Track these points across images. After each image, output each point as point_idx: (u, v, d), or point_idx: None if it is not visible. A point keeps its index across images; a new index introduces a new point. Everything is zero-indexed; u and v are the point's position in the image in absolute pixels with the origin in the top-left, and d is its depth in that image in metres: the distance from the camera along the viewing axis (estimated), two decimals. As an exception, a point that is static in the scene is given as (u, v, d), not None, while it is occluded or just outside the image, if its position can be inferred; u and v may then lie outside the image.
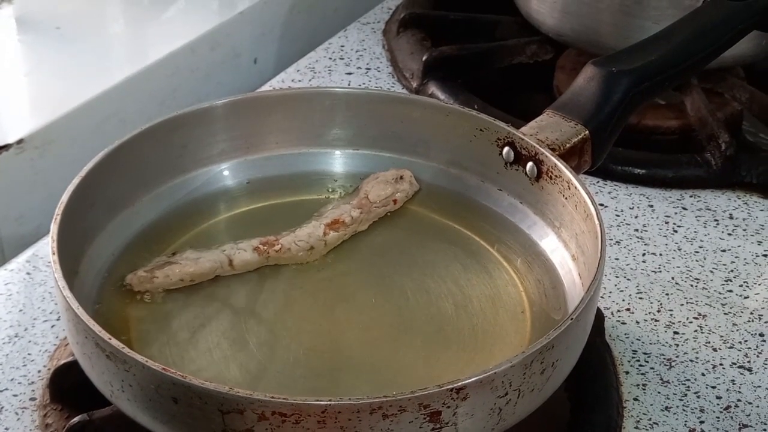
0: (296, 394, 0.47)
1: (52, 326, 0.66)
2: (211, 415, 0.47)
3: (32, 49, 0.90)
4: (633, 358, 0.66)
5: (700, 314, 0.69)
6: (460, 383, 0.48)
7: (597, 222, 0.57)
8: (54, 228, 0.56)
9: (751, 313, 0.69)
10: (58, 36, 0.91)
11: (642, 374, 0.65)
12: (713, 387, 0.64)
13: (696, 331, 0.68)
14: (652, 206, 0.79)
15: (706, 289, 0.71)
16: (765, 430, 0.61)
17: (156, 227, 0.65)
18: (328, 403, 0.47)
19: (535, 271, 0.63)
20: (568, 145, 0.64)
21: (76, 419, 0.55)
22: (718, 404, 0.63)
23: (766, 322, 0.69)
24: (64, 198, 0.58)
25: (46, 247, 0.55)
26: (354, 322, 0.60)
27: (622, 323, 0.68)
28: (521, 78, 0.96)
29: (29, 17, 0.93)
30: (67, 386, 0.60)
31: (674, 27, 0.71)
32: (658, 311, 0.69)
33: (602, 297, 0.70)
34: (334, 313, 0.61)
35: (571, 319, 0.52)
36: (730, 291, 0.71)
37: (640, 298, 0.70)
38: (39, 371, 0.63)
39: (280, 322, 0.59)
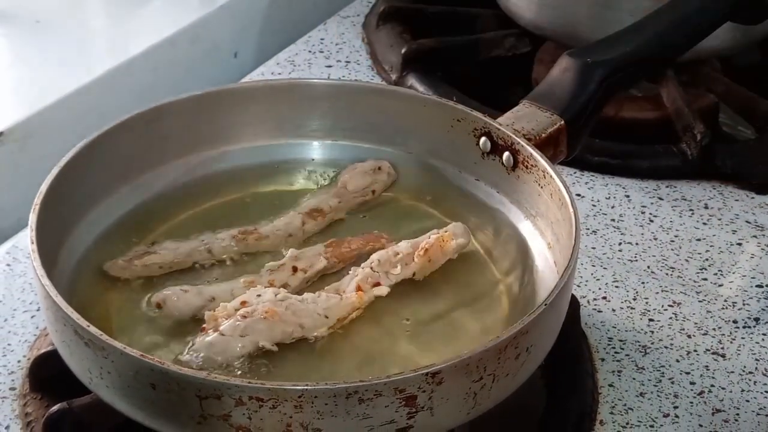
0: (272, 380, 0.48)
1: (32, 317, 0.66)
2: (189, 401, 0.48)
3: (12, 43, 0.90)
4: (609, 345, 0.66)
5: (675, 302, 0.70)
6: (435, 368, 0.48)
7: (571, 210, 0.58)
8: (33, 218, 0.56)
9: (725, 301, 0.70)
10: (37, 29, 0.91)
11: (617, 361, 0.65)
12: (687, 373, 0.65)
13: (671, 318, 0.69)
14: (628, 196, 0.80)
15: (681, 277, 0.72)
16: (738, 414, 0.62)
17: (135, 218, 0.65)
18: (305, 387, 0.47)
19: (511, 259, 0.64)
20: (543, 135, 0.64)
21: (55, 408, 0.55)
22: (692, 390, 0.63)
23: (739, 310, 0.70)
24: (43, 188, 0.58)
25: (26, 239, 0.55)
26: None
27: (598, 311, 0.69)
28: (500, 71, 0.96)
29: (9, 10, 0.93)
30: (47, 376, 0.60)
31: (648, 18, 0.72)
32: (634, 299, 0.70)
33: (579, 285, 0.71)
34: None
35: (545, 305, 0.52)
36: (705, 279, 0.72)
37: (616, 287, 0.71)
38: (19, 361, 0.63)
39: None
